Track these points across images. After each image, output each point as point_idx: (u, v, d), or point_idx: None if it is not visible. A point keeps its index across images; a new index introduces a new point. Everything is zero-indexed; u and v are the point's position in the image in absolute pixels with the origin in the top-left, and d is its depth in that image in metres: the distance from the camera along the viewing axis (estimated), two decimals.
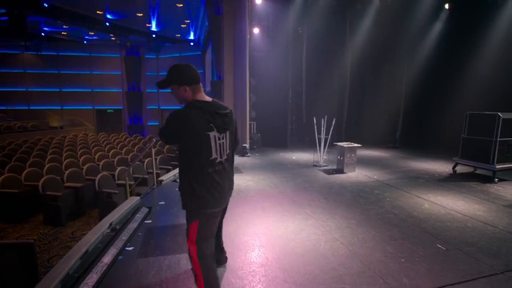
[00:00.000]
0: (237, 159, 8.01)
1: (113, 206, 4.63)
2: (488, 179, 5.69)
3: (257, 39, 9.87)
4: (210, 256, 2.03)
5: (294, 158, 8.38)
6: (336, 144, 6.72)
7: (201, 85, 2.01)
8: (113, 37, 16.55)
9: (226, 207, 2.25)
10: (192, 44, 17.66)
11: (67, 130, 15.51)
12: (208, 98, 2.03)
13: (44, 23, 14.45)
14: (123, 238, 3.22)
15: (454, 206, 4.34)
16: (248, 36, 8.81)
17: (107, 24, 14.27)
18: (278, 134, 10.29)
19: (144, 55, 18.56)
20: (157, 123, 19.37)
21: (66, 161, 7.73)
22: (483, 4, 8.28)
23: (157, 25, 14.91)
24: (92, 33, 16.13)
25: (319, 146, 7.42)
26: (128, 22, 14.82)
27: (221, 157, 1.98)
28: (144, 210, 4.12)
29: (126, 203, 4.21)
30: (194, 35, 16.54)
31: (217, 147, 1.94)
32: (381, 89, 10.69)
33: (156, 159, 7.05)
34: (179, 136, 1.91)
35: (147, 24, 14.90)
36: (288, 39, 9.93)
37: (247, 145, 8.75)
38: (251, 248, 3.06)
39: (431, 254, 2.94)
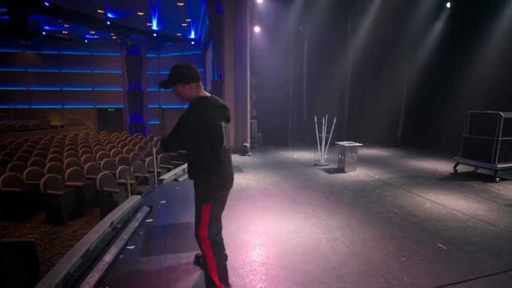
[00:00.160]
0: (238, 158, 8.02)
1: (114, 204, 4.63)
2: (490, 179, 5.67)
3: (258, 37, 9.85)
4: (219, 240, 2.23)
5: (295, 156, 8.38)
6: (337, 143, 6.72)
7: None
8: (113, 36, 16.54)
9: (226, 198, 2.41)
10: (192, 43, 17.64)
11: (68, 129, 15.52)
12: (208, 94, 2.18)
13: (45, 22, 14.43)
14: (124, 237, 3.23)
15: (455, 205, 4.34)
16: (249, 35, 8.79)
17: (108, 23, 14.27)
18: (279, 133, 10.29)
19: (145, 54, 18.55)
20: (158, 122, 19.38)
21: (67, 160, 7.74)
22: (485, 3, 8.23)
23: (158, 24, 14.90)
24: (93, 32, 16.14)
25: (320, 145, 7.42)
26: (129, 21, 14.81)
27: (228, 144, 2.17)
28: (145, 209, 4.12)
29: (127, 202, 4.21)
30: (195, 33, 16.51)
31: (226, 135, 2.12)
32: (382, 88, 10.65)
33: (157, 158, 7.05)
34: (197, 132, 2.01)
35: (147, 23, 14.89)
36: (289, 37, 9.92)
37: (248, 144, 8.75)
38: (252, 246, 3.06)
39: (432, 253, 2.94)
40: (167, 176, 5.80)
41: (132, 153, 9.42)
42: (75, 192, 5.89)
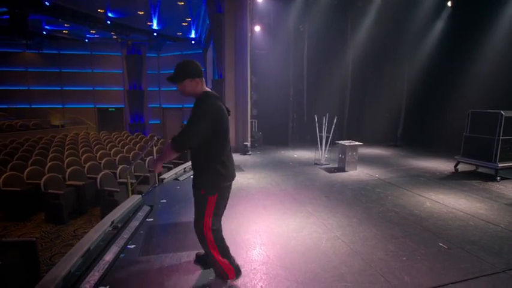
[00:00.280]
0: (239, 157, 8.02)
1: (115, 204, 4.63)
2: (491, 178, 5.67)
3: (258, 37, 9.85)
4: (220, 232, 2.33)
5: (295, 156, 8.38)
6: (338, 143, 6.71)
7: None
8: (114, 35, 16.52)
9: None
10: (193, 42, 17.62)
11: (68, 128, 15.53)
12: (208, 89, 2.29)
13: (45, 21, 14.42)
14: (125, 236, 3.23)
15: (455, 204, 4.33)
16: (249, 34, 8.79)
17: (108, 22, 14.25)
18: (279, 132, 10.28)
19: (145, 53, 18.52)
20: (158, 122, 19.38)
21: (67, 159, 7.75)
22: (486, 1, 8.20)
23: (158, 23, 14.89)
24: (93, 32, 16.12)
25: (321, 144, 7.41)
26: (129, 20, 14.78)
27: (229, 136, 2.30)
28: (146, 208, 4.12)
29: (127, 201, 4.22)
30: (195, 33, 16.49)
31: (229, 128, 2.26)
32: (382, 87, 10.63)
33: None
34: (214, 124, 2.10)
35: (148, 23, 14.87)
36: (289, 37, 9.90)
37: (248, 143, 8.75)
38: (252, 246, 3.07)
39: (433, 253, 2.93)
40: (168, 175, 5.80)
41: (132, 152, 9.42)
42: (75, 192, 5.90)
